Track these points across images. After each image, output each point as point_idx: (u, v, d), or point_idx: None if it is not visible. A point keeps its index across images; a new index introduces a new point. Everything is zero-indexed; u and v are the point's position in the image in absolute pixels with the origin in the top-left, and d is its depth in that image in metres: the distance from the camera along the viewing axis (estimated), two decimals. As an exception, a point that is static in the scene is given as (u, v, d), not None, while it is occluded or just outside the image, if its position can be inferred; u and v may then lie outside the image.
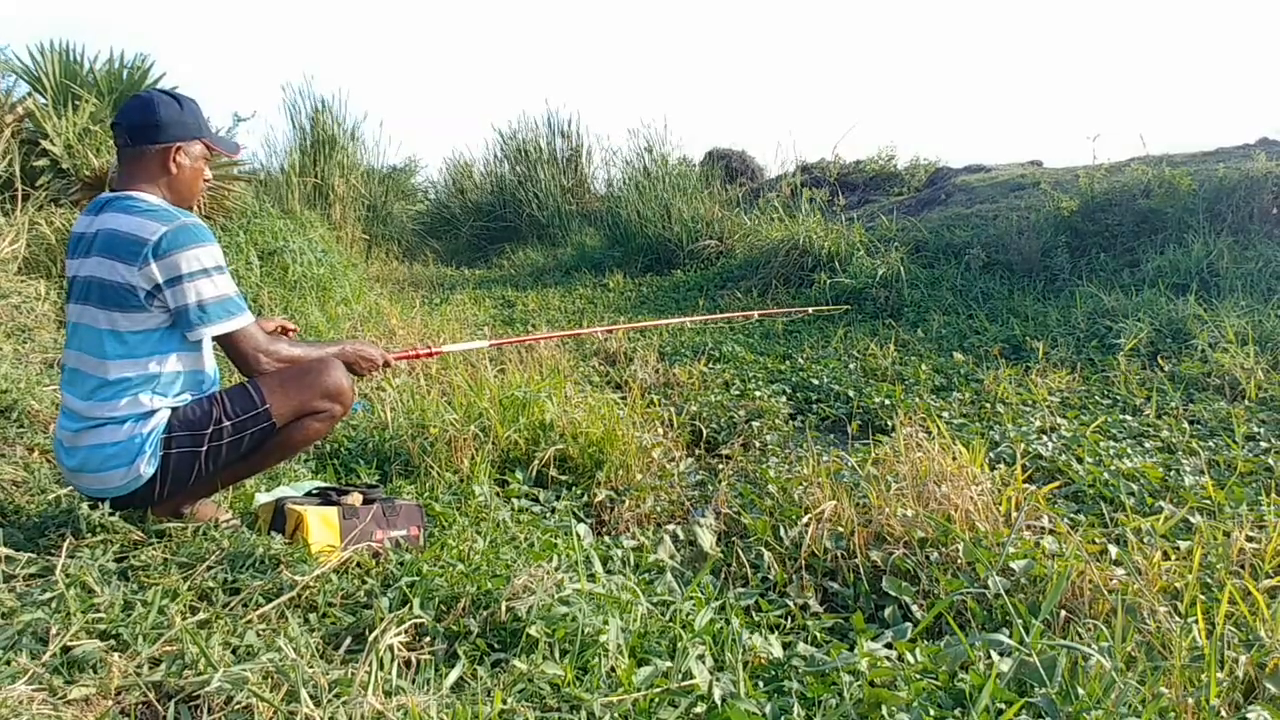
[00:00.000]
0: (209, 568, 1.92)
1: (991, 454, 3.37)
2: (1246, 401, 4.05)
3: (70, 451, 2.06)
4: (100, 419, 2.02)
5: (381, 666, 1.59)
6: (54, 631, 1.59)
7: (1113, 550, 2.38)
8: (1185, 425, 3.73)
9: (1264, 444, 3.48)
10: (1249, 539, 2.43)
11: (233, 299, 2.09)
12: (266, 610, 1.78)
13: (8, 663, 1.49)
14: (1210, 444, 3.51)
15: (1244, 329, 4.76)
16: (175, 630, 1.62)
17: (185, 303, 2.02)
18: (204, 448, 2.08)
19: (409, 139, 34.77)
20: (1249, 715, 1.60)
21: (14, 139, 5.59)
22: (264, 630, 1.71)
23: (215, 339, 2.12)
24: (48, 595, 1.72)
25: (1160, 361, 4.71)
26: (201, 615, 1.73)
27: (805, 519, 2.56)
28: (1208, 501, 2.84)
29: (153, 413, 2.05)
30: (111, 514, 2.07)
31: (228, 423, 2.09)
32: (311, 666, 1.54)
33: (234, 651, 1.62)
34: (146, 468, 2.04)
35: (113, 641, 1.61)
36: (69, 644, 1.56)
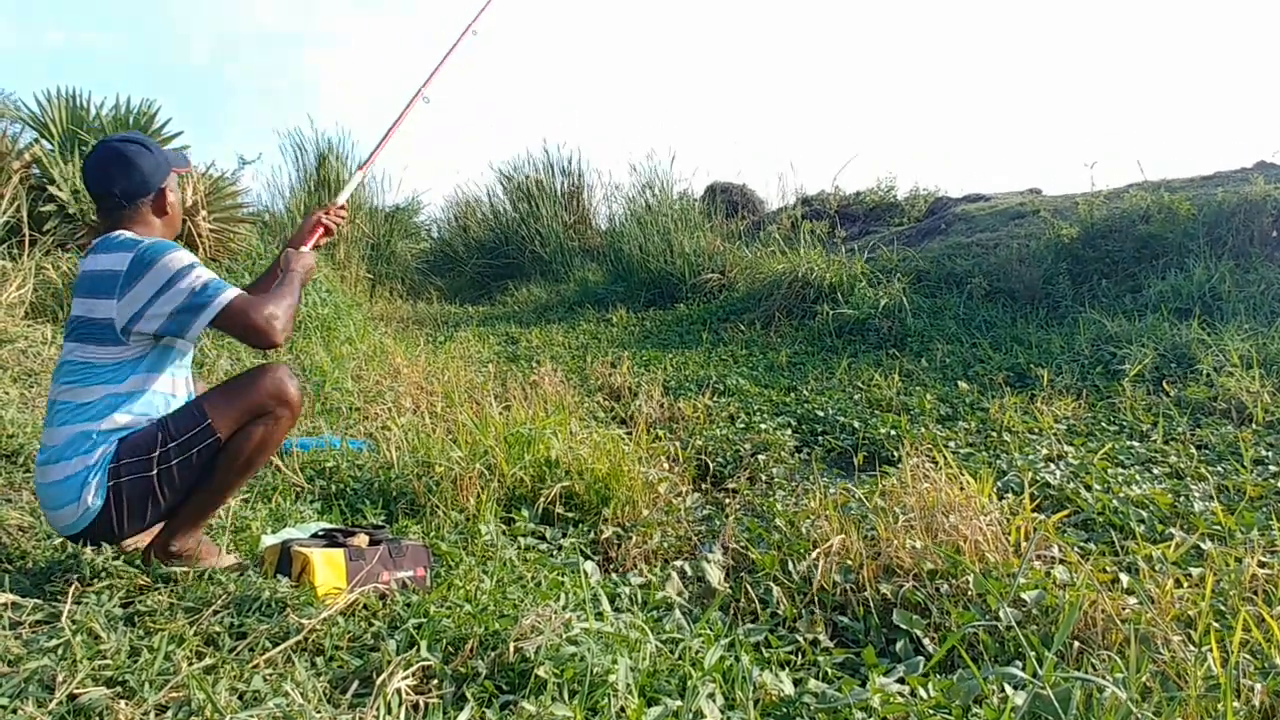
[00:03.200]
0: (215, 612, 1.92)
1: (999, 483, 3.35)
2: (1254, 425, 4.04)
3: (39, 487, 2.09)
4: (56, 453, 2.04)
5: (389, 710, 1.57)
6: (60, 679, 1.58)
7: (1124, 579, 2.36)
8: (1193, 450, 3.72)
9: (1273, 467, 3.46)
10: (1261, 564, 2.41)
11: (212, 284, 2.06)
12: (273, 654, 1.76)
13: (14, 711, 1.48)
14: (1219, 469, 3.50)
15: (1248, 352, 4.76)
16: (182, 676, 1.61)
17: (177, 304, 2.02)
18: (154, 472, 2.06)
19: (411, 176, 35.12)
20: (1269, 746, 1.58)
21: (21, 185, 5.68)
22: (271, 675, 1.70)
23: (218, 328, 2.07)
24: (54, 642, 1.71)
25: (1165, 386, 4.70)
26: (208, 661, 1.72)
27: (814, 553, 2.54)
28: (1218, 527, 2.82)
29: (98, 444, 2.04)
30: (115, 558, 2.06)
31: (172, 444, 2.08)
32: (319, 711, 1.53)
33: (241, 697, 1.61)
34: (94, 499, 2.03)
35: (119, 689, 1.60)
36: (75, 691, 1.55)
